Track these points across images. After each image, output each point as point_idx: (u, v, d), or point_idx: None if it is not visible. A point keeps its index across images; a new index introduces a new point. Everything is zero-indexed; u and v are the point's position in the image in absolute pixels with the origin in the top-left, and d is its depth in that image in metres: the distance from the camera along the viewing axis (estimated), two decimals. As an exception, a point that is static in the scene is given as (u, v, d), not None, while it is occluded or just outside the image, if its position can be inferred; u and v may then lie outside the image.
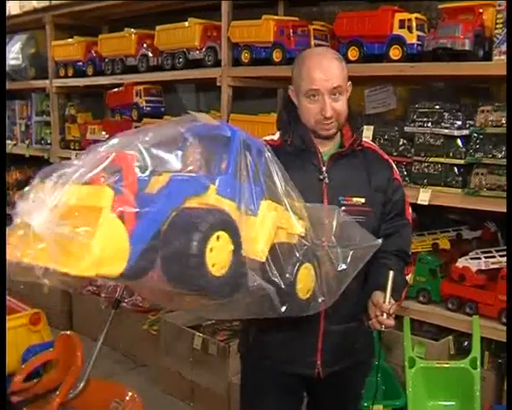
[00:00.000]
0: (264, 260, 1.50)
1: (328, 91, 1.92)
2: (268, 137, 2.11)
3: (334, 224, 1.75)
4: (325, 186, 1.98)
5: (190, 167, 1.38)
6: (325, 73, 1.92)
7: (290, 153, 2.00)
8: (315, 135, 2.01)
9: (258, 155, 1.54)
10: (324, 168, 2.00)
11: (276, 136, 2.10)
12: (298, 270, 1.61)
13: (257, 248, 1.48)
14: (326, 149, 2.04)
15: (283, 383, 2.12)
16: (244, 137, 1.50)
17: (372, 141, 3.09)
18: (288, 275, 1.58)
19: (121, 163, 1.26)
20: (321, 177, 1.99)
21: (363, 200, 2.00)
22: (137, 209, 1.23)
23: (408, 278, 2.17)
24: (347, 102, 2.04)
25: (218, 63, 3.74)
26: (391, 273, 1.90)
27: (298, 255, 1.62)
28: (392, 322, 1.95)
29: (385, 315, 1.92)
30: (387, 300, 1.90)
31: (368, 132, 3.13)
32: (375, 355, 2.33)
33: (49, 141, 5.35)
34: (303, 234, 1.65)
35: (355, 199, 2.00)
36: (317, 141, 2.02)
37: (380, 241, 1.82)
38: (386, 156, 2.13)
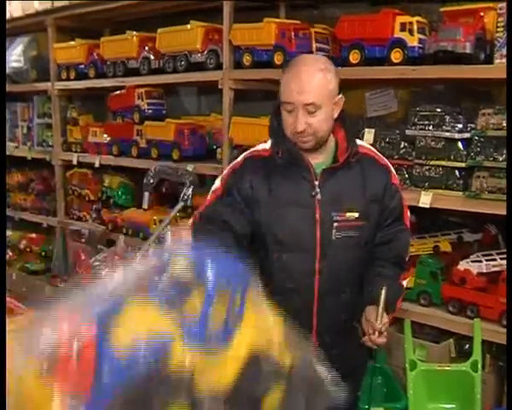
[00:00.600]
0: (227, 394, 1.40)
1: (302, 106, 1.87)
2: (260, 147, 2.08)
3: (300, 362, 1.57)
4: (317, 202, 1.94)
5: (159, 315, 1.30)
6: (301, 86, 1.86)
7: (281, 165, 1.96)
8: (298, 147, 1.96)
9: (239, 281, 1.43)
10: (317, 182, 1.95)
11: (268, 144, 2.06)
12: (265, 396, 1.49)
13: (222, 381, 1.38)
14: (319, 161, 1.99)
15: None
16: (223, 269, 1.39)
17: (373, 143, 3.12)
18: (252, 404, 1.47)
19: (77, 339, 1.22)
20: (313, 193, 1.94)
21: (356, 214, 1.96)
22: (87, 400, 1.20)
23: (405, 282, 2.16)
24: (343, 110, 1.99)
25: (219, 66, 3.74)
26: (383, 291, 1.89)
27: (267, 380, 1.49)
28: (383, 340, 1.95)
29: (376, 333, 1.92)
30: (379, 319, 1.90)
31: (369, 135, 3.14)
32: (374, 357, 2.33)
33: (50, 143, 5.35)
34: (276, 357, 1.51)
35: (348, 214, 1.96)
36: (308, 153, 1.97)
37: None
38: (384, 161, 2.10)
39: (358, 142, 2.06)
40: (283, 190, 1.95)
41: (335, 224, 1.94)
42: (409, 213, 2.17)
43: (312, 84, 1.86)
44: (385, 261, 2.05)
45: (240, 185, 2.00)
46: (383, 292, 1.88)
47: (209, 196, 2.08)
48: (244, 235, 2.02)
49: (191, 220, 2.11)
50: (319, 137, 1.93)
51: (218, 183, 2.07)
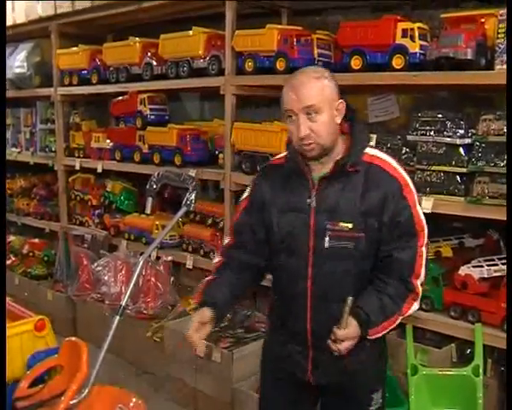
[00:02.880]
0: None
1: (301, 111, 1.91)
2: (279, 155, 2.21)
3: None
4: (312, 210, 1.98)
5: None
6: (297, 92, 1.91)
7: (287, 173, 2.07)
8: (304, 156, 2.00)
9: None
10: (314, 191, 1.99)
11: (284, 153, 2.15)
12: None
13: None
14: (322, 171, 2.00)
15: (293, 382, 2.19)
16: None
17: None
18: None
19: None
20: (308, 200, 1.99)
21: (350, 225, 1.94)
22: None
23: (413, 307, 2.01)
24: (353, 120, 2.03)
25: (221, 72, 3.77)
26: (349, 300, 1.88)
27: None
28: (340, 348, 1.91)
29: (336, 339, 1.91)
30: (343, 325, 1.89)
31: (371, 141, 3.15)
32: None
33: (53, 149, 5.39)
34: None
35: (341, 224, 1.95)
36: (313, 162, 2.01)
37: None
38: (397, 173, 1.99)
39: (372, 151, 2.03)
40: (284, 196, 2.05)
41: (328, 232, 1.96)
42: (426, 233, 2.00)
43: (309, 88, 1.91)
44: (385, 276, 1.99)
45: (256, 194, 2.17)
46: (349, 301, 1.88)
47: (240, 205, 2.25)
48: (264, 241, 2.14)
49: (228, 238, 2.25)
50: (322, 144, 1.93)
51: (246, 192, 2.24)
